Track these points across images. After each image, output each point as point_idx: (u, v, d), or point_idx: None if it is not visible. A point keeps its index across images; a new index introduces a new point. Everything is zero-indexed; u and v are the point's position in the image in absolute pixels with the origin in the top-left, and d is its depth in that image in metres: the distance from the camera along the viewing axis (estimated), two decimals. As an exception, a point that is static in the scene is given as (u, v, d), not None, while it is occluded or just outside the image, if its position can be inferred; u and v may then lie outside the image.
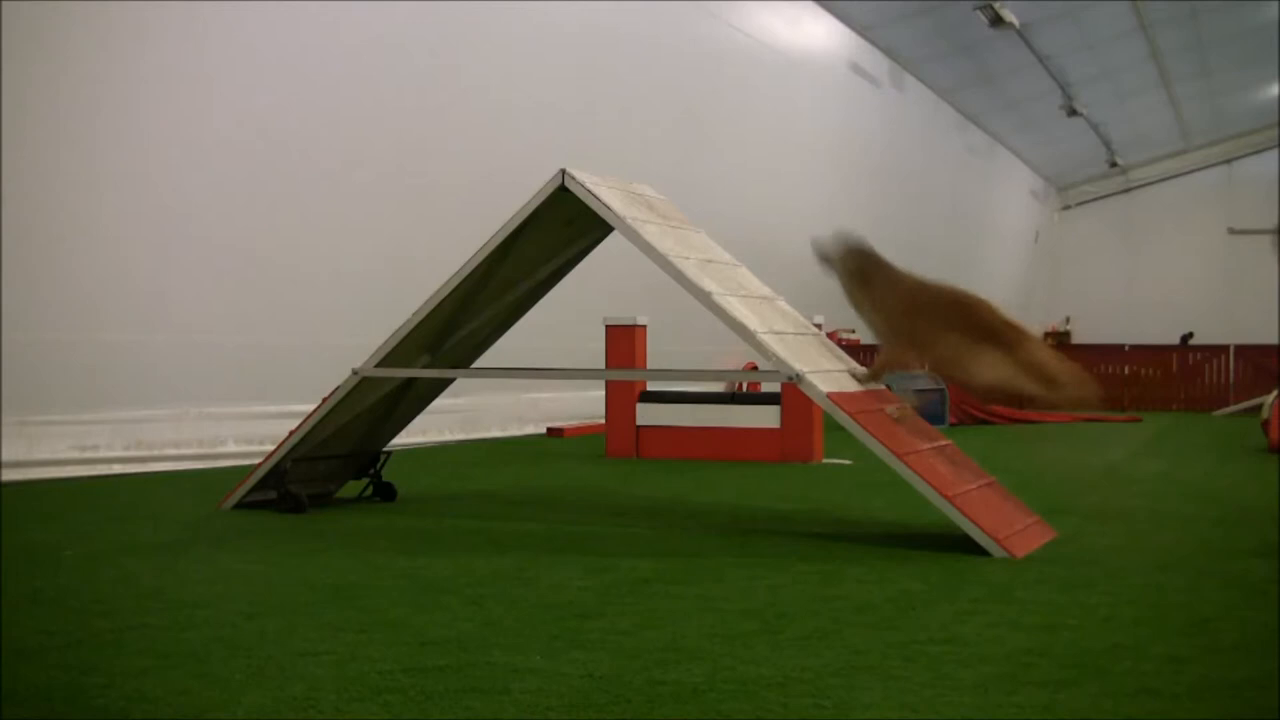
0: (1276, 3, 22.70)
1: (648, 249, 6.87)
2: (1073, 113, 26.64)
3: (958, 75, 24.84)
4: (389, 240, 12.15)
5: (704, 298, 6.74)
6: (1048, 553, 6.18)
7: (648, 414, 11.71)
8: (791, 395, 10.90)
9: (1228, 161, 34.20)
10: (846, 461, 10.93)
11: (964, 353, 6.32)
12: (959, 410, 16.55)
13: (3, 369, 8.98)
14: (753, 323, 6.73)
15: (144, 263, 9.93)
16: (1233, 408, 19.72)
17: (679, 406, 11.70)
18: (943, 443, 6.98)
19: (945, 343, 6.36)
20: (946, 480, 6.39)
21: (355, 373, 7.46)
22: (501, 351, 8.43)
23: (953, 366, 6.47)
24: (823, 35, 20.82)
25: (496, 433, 13.79)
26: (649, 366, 11.63)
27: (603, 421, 12.24)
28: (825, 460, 11.18)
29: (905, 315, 6.47)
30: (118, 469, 9.77)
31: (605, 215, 7.01)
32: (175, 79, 10.24)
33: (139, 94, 10.00)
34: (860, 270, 6.63)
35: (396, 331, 7.40)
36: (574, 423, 14.54)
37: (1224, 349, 21.18)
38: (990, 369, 6.27)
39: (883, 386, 6.95)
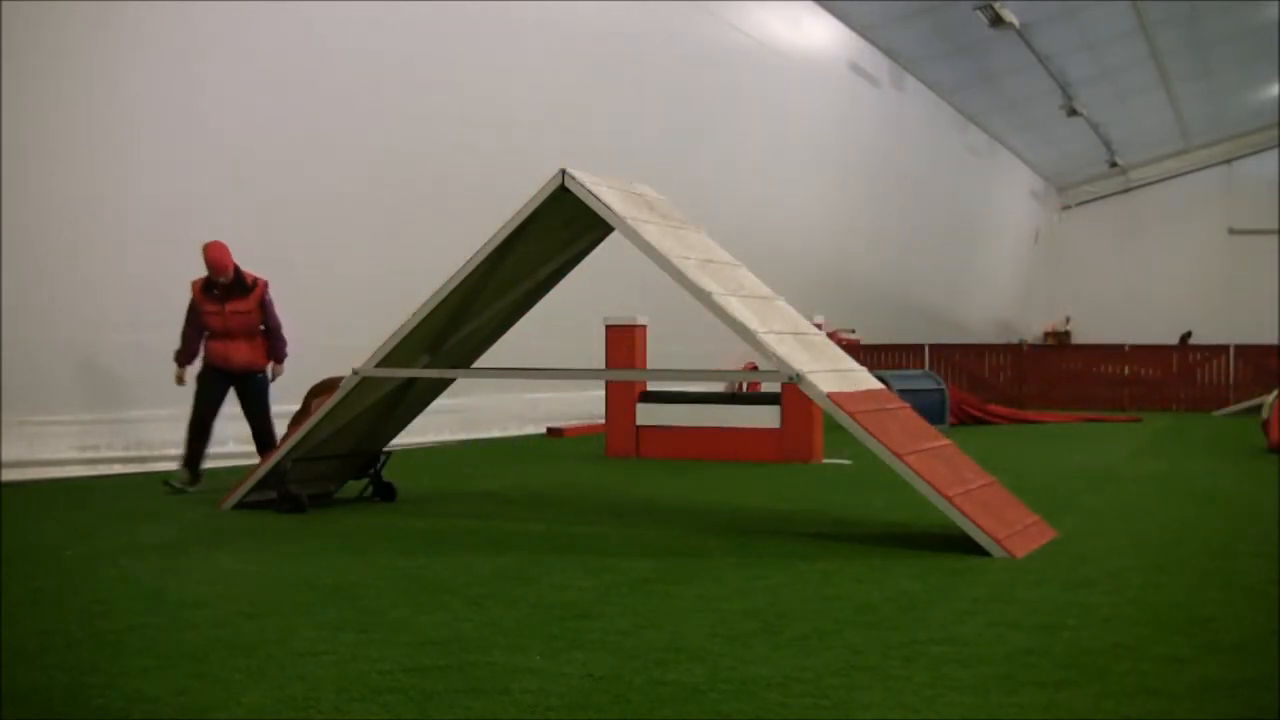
0: (1276, 3, 22.69)
1: (648, 249, 6.87)
2: (1073, 113, 26.65)
3: (958, 75, 24.85)
4: (389, 240, 12.15)
5: (704, 298, 6.74)
6: (1048, 553, 6.18)
7: (648, 414, 11.70)
8: (791, 395, 10.89)
9: (1228, 161, 34.22)
10: (846, 461, 10.92)
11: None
12: (959, 410, 16.55)
13: (3, 369, 8.98)
14: (753, 323, 6.73)
15: (144, 263, 9.92)
16: (1233, 408, 19.71)
17: (679, 406, 11.70)
18: (942, 443, 6.98)
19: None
20: (946, 480, 6.39)
21: (355, 373, 7.46)
22: (501, 351, 8.42)
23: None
24: (823, 35, 20.82)
25: (496, 433, 13.79)
26: (649, 366, 11.62)
27: (603, 421, 12.24)
28: (825, 460, 11.18)
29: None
30: (118, 469, 9.78)
31: (605, 215, 7.01)
32: (175, 81, 10.24)
33: (140, 96, 10.00)
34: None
35: (397, 331, 7.39)
36: (574, 423, 14.53)
37: (1224, 349, 21.17)
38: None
39: None
